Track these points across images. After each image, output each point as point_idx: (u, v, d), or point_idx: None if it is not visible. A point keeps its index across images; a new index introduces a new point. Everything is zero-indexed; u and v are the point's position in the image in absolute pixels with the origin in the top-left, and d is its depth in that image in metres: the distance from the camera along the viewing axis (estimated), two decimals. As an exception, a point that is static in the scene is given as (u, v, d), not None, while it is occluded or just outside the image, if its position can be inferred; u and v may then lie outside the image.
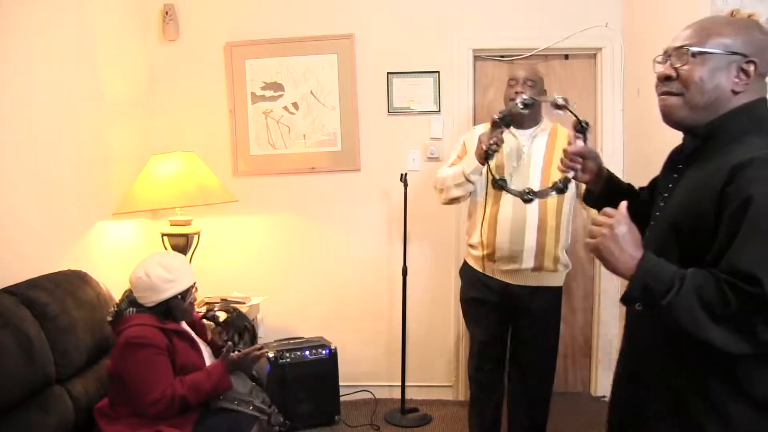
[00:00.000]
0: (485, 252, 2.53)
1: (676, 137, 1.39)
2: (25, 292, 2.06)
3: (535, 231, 2.46)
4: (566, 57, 3.40)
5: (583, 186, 1.78)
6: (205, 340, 2.35)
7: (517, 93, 2.46)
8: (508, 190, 2.13)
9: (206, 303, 3.06)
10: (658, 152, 1.46)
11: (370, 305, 3.46)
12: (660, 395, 1.27)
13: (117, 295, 2.26)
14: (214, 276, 3.34)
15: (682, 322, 1.11)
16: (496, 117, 2.14)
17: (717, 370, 1.17)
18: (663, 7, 2.82)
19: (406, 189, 3.18)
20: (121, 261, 2.96)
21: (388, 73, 3.37)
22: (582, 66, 3.41)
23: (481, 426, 2.74)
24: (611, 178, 1.59)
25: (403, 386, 3.29)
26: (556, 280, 2.57)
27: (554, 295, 2.59)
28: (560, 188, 1.88)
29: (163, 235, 2.99)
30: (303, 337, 3.26)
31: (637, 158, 3.08)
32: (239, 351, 2.25)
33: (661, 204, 1.35)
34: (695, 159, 1.29)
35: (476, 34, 3.33)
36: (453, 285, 3.35)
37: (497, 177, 2.15)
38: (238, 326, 2.37)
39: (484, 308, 2.59)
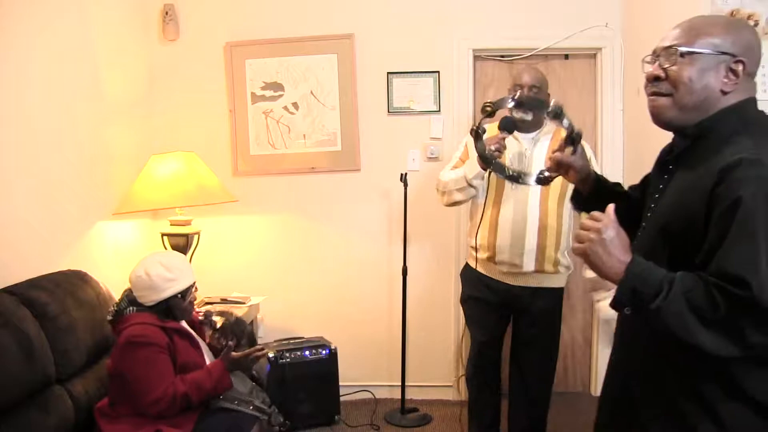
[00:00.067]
0: (486, 254, 2.53)
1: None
2: (25, 292, 2.06)
3: (536, 233, 2.47)
4: (566, 57, 3.40)
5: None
6: (204, 339, 2.35)
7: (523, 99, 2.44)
8: (493, 167, 2.10)
9: (206, 303, 3.06)
10: (657, 152, 1.46)
11: (370, 305, 3.46)
12: (652, 397, 1.26)
13: (117, 295, 2.26)
14: (214, 276, 3.34)
15: (671, 326, 1.11)
16: (475, 126, 2.13)
17: (708, 372, 1.17)
18: (663, 7, 2.82)
19: (406, 189, 3.18)
20: (121, 261, 2.96)
21: (388, 73, 3.37)
22: (582, 66, 3.40)
23: (480, 426, 2.74)
24: (599, 180, 1.59)
25: (403, 386, 3.29)
26: (557, 281, 2.57)
27: (556, 295, 2.59)
28: (542, 181, 1.87)
29: (163, 235, 2.99)
30: (303, 337, 3.26)
31: (637, 158, 3.09)
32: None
33: (652, 205, 1.34)
34: (685, 160, 1.28)
35: (476, 34, 3.33)
36: (453, 285, 3.36)
37: (485, 153, 2.13)
38: (236, 332, 2.36)
39: (485, 308, 2.59)
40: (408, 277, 3.26)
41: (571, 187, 1.71)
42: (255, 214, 3.47)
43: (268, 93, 3.41)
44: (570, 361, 3.51)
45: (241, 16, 3.39)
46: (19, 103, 2.31)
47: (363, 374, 3.46)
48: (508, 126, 2.33)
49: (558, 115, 1.85)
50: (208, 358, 2.26)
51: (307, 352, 3.08)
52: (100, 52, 2.88)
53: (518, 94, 2.20)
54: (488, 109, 2.09)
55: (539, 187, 2.45)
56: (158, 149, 3.06)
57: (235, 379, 2.20)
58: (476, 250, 2.58)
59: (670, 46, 1.25)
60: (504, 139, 2.30)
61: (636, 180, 1.60)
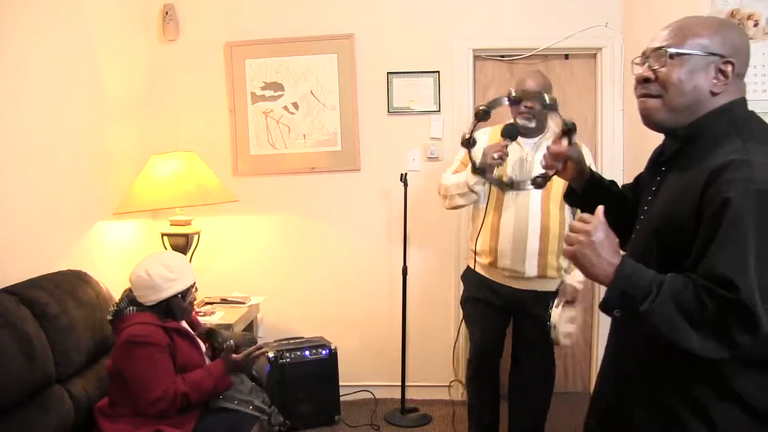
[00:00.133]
0: (488, 259, 2.53)
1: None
2: (25, 292, 2.06)
3: (538, 239, 2.46)
4: (566, 57, 3.40)
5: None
6: (204, 340, 2.35)
7: (526, 107, 2.43)
8: (488, 178, 2.10)
9: (206, 303, 3.06)
10: (658, 152, 1.46)
11: (371, 305, 3.46)
12: (645, 398, 1.26)
13: (117, 295, 2.25)
14: (214, 276, 3.35)
15: (660, 328, 1.11)
16: (468, 136, 2.13)
17: (700, 372, 1.17)
18: (663, 7, 2.82)
19: (406, 189, 3.18)
20: (121, 261, 2.96)
21: (388, 73, 3.37)
22: (582, 66, 3.40)
23: (479, 427, 2.74)
24: (594, 177, 1.58)
25: (403, 386, 3.29)
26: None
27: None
28: (539, 183, 1.88)
29: (163, 234, 2.99)
30: (303, 337, 3.25)
31: (637, 158, 3.09)
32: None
33: (645, 208, 1.34)
34: (677, 161, 1.28)
35: (476, 34, 3.33)
36: (453, 284, 3.36)
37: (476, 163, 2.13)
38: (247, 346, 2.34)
39: (486, 309, 2.59)
40: (408, 277, 3.26)
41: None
42: (255, 214, 3.47)
43: (268, 93, 3.41)
44: (570, 361, 3.51)
45: (241, 16, 3.39)
46: (19, 103, 2.31)
47: (363, 374, 3.46)
48: (511, 133, 2.33)
49: (553, 107, 1.85)
50: (207, 359, 2.26)
51: (307, 352, 3.08)
52: (99, 51, 2.88)
53: (513, 91, 2.19)
54: (482, 112, 2.09)
55: (540, 192, 2.45)
56: (158, 149, 3.06)
57: (235, 378, 2.20)
58: (478, 254, 2.58)
59: (659, 48, 1.25)
60: (506, 146, 2.30)
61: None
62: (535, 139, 2.52)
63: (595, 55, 3.37)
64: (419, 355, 3.42)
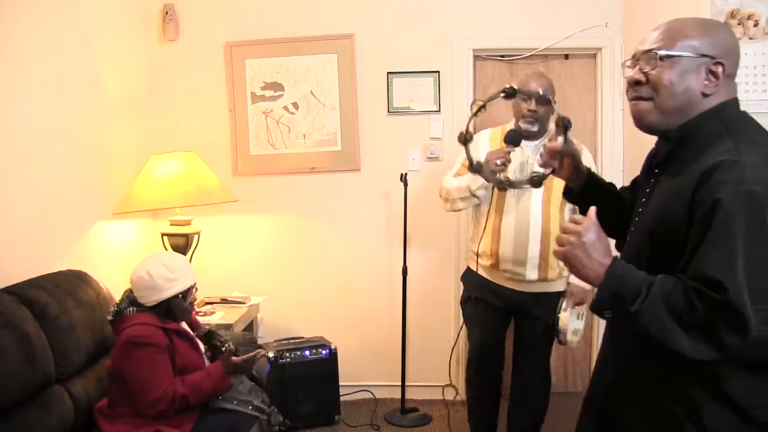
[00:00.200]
0: (489, 262, 2.53)
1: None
2: (25, 292, 2.06)
3: (539, 242, 2.46)
4: (566, 57, 3.40)
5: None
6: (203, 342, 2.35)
7: (530, 111, 2.44)
8: (486, 177, 2.09)
9: (206, 303, 3.06)
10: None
11: (370, 305, 3.46)
12: (638, 399, 1.26)
13: (117, 295, 2.26)
14: (214, 276, 3.35)
15: (650, 329, 1.11)
16: (464, 132, 2.12)
17: (693, 374, 1.17)
18: (663, 6, 2.82)
19: (406, 189, 3.18)
20: (121, 261, 2.96)
21: (388, 72, 3.37)
22: (582, 66, 3.40)
23: (478, 426, 2.74)
24: (591, 176, 1.58)
25: (403, 386, 3.29)
26: (560, 286, 2.57)
27: (559, 297, 2.59)
28: (535, 181, 1.87)
29: (163, 234, 2.99)
30: (303, 337, 3.25)
31: (637, 158, 3.07)
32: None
33: (639, 209, 1.34)
34: (670, 163, 1.28)
35: (476, 34, 3.33)
36: (453, 284, 3.36)
37: (474, 161, 2.12)
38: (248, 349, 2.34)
39: (488, 310, 2.59)
40: (408, 277, 3.26)
41: None
42: (255, 214, 3.47)
43: (268, 93, 3.41)
44: (570, 361, 3.51)
45: (241, 16, 3.39)
46: (19, 103, 2.31)
47: (363, 374, 3.46)
48: (514, 140, 2.32)
49: (548, 102, 1.84)
50: (207, 360, 2.26)
51: (307, 352, 3.08)
52: (99, 51, 2.88)
53: (509, 85, 2.17)
54: (478, 107, 2.08)
55: (541, 195, 2.46)
56: (158, 149, 3.06)
57: (235, 379, 2.20)
58: (479, 256, 2.58)
59: (649, 50, 1.25)
60: (509, 153, 2.30)
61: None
62: (536, 142, 2.52)
63: (595, 55, 3.37)
64: (419, 355, 3.42)
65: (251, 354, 2.22)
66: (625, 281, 1.14)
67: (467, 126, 2.14)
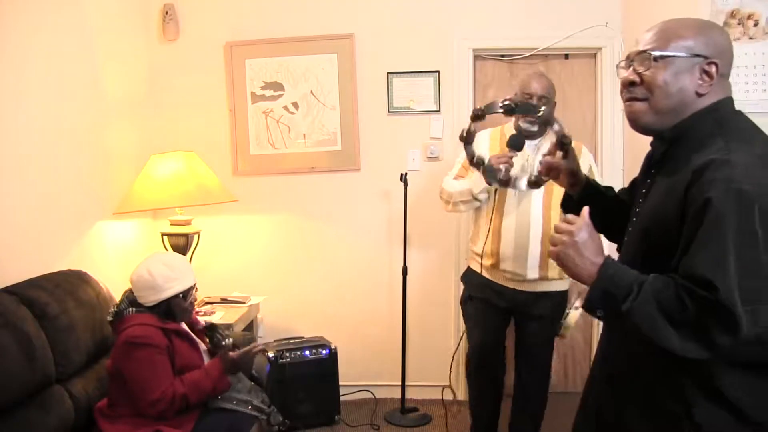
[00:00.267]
0: (490, 262, 2.53)
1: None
2: (25, 292, 2.06)
3: (539, 242, 2.47)
4: (566, 57, 3.40)
5: None
6: (203, 341, 2.35)
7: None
8: (485, 173, 2.10)
9: (206, 303, 3.06)
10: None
11: (370, 305, 3.46)
12: (636, 398, 1.27)
13: (117, 295, 2.26)
14: (214, 276, 3.35)
15: (642, 328, 1.11)
16: (464, 131, 2.13)
17: (691, 373, 1.17)
18: (663, 6, 2.82)
19: (406, 188, 3.18)
20: (121, 261, 2.96)
21: (388, 72, 3.37)
22: (582, 66, 3.40)
23: (478, 424, 2.75)
24: (590, 183, 1.59)
25: (403, 386, 3.29)
26: (561, 285, 2.57)
27: (560, 296, 2.59)
28: (533, 183, 1.88)
29: (163, 234, 2.99)
30: (303, 337, 3.26)
31: (637, 158, 3.07)
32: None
33: (637, 210, 1.35)
34: (665, 163, 1.29)
35: (476, 34, 3.33)
36: (453, 284, 3.36)
37: (475, 157, 2.13)
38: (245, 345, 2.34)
39: (488, 310, 2.59)
40: (408, 277, 3.26)
41: None
42: (255, 214, 3.47)
43: (268, 93, 3.41)
44: (570, 361, 3.51)
45: (241, 16, 3.39)
46: (18, 103, 2.31)
47: (363, 374, 3.46)
48: (517, 144, 2.32)
49: (547, 120, 1.84)
50: (207, 360, 2.26)
51: (307, 352, 3.08)
52: (99, 51, 2.88)
53: (508, 98, 2.19)
54: (479, 114, 2.09)
55: (542, 197, 2.46)
56: (158, 149, 3.06)
57: (234, 379, 2.20)
58: (480, 256, 2.58)
59: (643, 51, 1.25)
60: (512, 157, 2.30)
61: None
62: (536, 141, 2.52)
63: (595, 55, 3.37)
64: (419, 355, 3.42)
65: (246, 348, 2.22)
66: (616, 280, 1.15)
67: (469, 125, 2.15)
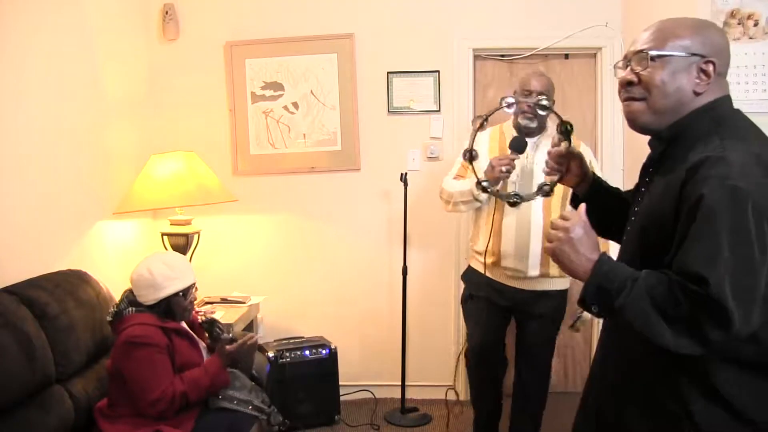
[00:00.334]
0: (491, 259, 2.53)
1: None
2: (25, 292, 2.06)
3: (540, 238, 2.47)
4: (566, 56, 3.40)
5: None
6: (203, 340, 2.35)
7: (530, 106, 2.45)
8: (494, 193, 2.15)
9: (206, 302, 3.06)
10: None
11: (370, 304, 3.46)
12: (636, 398, 1.27)
13: (117, 295, 2.26)
14: (214, 275, 3.35)
15: (635, 323, 1.12)
16: (469, 149, 2.15)
17: (691, 373, 1.17)
18: (662, 6, 2.82)
19: (406, 188, 3.18)
20: (121, 261, 2.96)
21: (388, 72, 3.37)
22: (582, 66, 3.40)
23: (479, 421, 2.75)
24: (597, 181, 1.59)
25: (403, 386, 3.29)
26: (562, 284, 2.58)
27: (560, 297, 2.60)
28: (546, 191, 1.90)
29: (163, 234, 2.99)
30: (303, 337, 3.26)
31: (637, 158, 3.08)
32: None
33: (635, 209, 1.35)
34: (663, 163, 1.29)
35: (476, 34, 3.33)
36: (453, 284, 3.36)
37: (480, 179, 2.17)
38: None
39: (489, 308, 2.59)
40: (408, 277, 3.26)
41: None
42: (255, 214, 3.47)
43: (268, 93, 3.41)
44: (570, 361, 3.51)
45: (241, 15, 3.39)
46: (18, 103, 2.31)
47: (363, 374, 3.46)
48: (519, 147, 2.33)
49: (548, 108, 1.86)
50: (206, 352, 2.26)
51: (307, 352, 3.08)
52: (99, 51, 2.88)
53: (510, 97, 2.21)
54: (482, 122, 2.12)
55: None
56: (158, 149, 3.06)
57: (235, 379, 2.20)
58: (480, 254, 2.58)
59: (640, 51, 1.25)
60: (513, 160, 2.31)
61: (634, 178, 1.59)
62: (535, 139, 2.52)
63: (595, 55, 3.37)
64: (419, 355, 3.42)
65: (242, 340, 2.22)
66: (611, 276, 1.16)
67: (471, 143, 2.17)
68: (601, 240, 1.39)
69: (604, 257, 1.20)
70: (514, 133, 2.50)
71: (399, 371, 3.30)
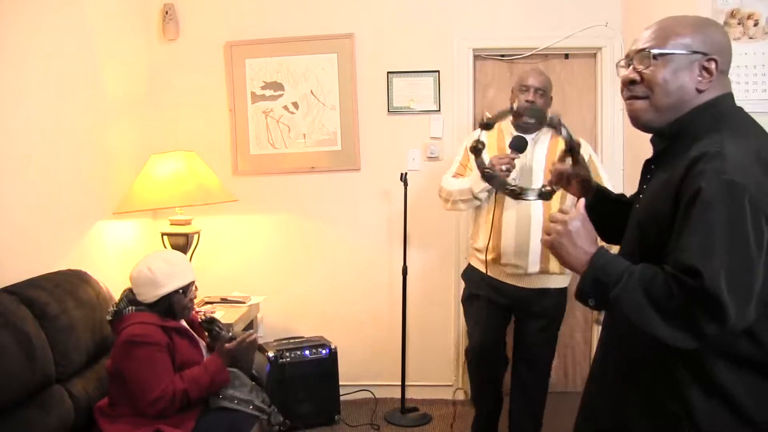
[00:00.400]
0: (491, 256, 2.53)
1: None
2: (25, 292, 2.06)
3: (540, 234, 2.46)
4: (566, 56, 3.40)
5: None
6: (203, 338, 2.35)
7: (527, 102, 2.46)
8: (499, 183, 2.13)
9: (206, 302, 3.06)
10: (657, 152, 1.47)
11: (370, 304, 3.46)
12: (637, 398, 1.27)
13: (117, 295, 2.26)
14: (214, 275, 3.35)
15: (630, 316, 1.12)
16: (474, 143, 2.15)
17: (691, 372, 1.17)
18: (662, 6, 2.82)
19: (406, 188, 3.18)
20: (121, 261, 2.96)
21: (388, 72, 3.37)
22: (582, 66, 3.40)
23: (479, 419, 2.75)
24: (601, 191, 1.60)
25: (403, 386, 3.29)
26: (562, 281, 2.58)
27: (561, 294, 2.60)
28: (545, 196, 1.91)
29: (163, 234, 2.99)
30: (303, 337, 3.26)
31: (637, 158, 3.08)
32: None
33: (636, 206, 1.36)
34: (663, 159, 1.30)
35: (476, 34, 3.33)
36: (453, 284, 3.36)
37: (485, 167, 2.17)
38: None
39: (489, 307, 2.59)
40: (408, 277, 3.26)
41: None
42: (255, 214, 3.47)
43: (268, 92, 3.41)
44: (570, 361, 3.50)
45: (241, 15, 3.39)
46: (18, 103, 2.31)
47: (363, 374, 3.46)
48: (520, 146, 2.34)
49: (557, 125, 1.86)
50: (206, 351, 2.27)
51: (307, 352, 3.08)
52: (99, 51, 2.88)
53: (516, 105, 2.24)
54: (485, 124, 2.13)
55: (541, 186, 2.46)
56: (158, 149, 3.06)
57: (235, 378, 2.20)
58: (480, 252, 2.58)
59: (642, 49, 1.26)
60: (514, 159, 2.32)
61: (634, 178, 1.60)
62: (533, 135, 2.52)
63: (595, 55, 3.37)
64: (419, 355, 3.42)
65: (240, 338, 2.22)
66: (608, 269, 1.16)
67: (479, 138, 2.18)
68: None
69: (601, 250, 1.20)
70: (513, 131, 2.50)
71: (399, 371, 3.30)
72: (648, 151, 1.39)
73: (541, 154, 2.50)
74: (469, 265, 2.72)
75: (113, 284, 2.55)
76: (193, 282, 2.21)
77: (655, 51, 1.23)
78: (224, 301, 3.10)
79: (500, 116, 2.13)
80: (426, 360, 3.44)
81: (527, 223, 2.47)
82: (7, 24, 2.27)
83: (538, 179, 2.47)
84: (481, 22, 3.32)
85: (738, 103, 1.28)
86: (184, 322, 2.25)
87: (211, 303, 3.07)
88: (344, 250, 3.46)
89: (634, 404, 1.27)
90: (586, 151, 2.57)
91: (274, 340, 3.21)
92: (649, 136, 1.36)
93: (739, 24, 2.43)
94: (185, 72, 3.40)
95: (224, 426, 2.09)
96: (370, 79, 3.37)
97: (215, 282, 3.30)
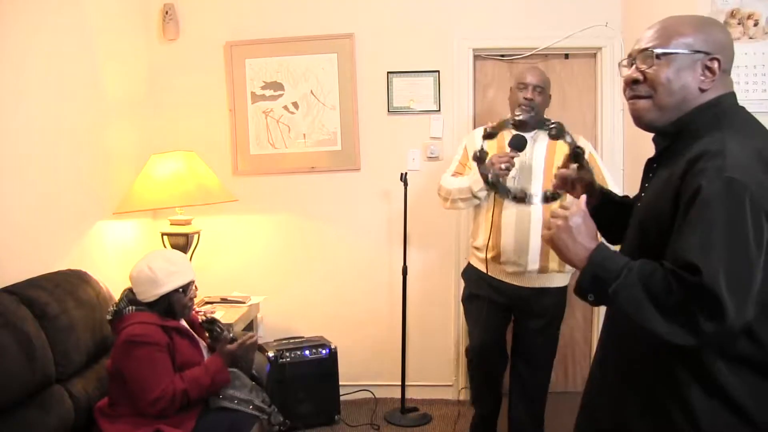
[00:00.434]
0: (491, 254, 2.53)
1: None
2: (25, 292, 2.06)
3: (540, 233, 2.47)
4: (566, 56, 3.40)
5: None
6: (203, 339, 2.35)
7: (526, 99, 2.47)
8: (502, 189, 2.15)
9: (206, 302, 3.06)
10: (657, 152, 1.47)
11: (370, 304, 3.46)
12: (636, 398, 1.27)
13: (117, 295, 2.26)
14: (215, 275, 3.35)
15: (628, 311, 1.12)
16: (477, 151, 2.17)
17: (692, 373, 1.17)
18: (662, 6, 2.82)
19: (406, 188, 3.18)
20: (121, 261, 2.96)
21: (388, 72, 3.37)
22: (582, 65, 3.40)
23: (478, 419, 2.75)
24: (604, 194, 1.60)
25: (403, 386, 3.29)
26: (562, 280, 2.58)
27: (560, 294, 2.60)
28: (547, 199, 1.92)
29: (163, 234, 2.99)
30: (303, 337, 3.26)
31: (637, 158, 3.09)
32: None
33: (638, 204, 1.36)
34: (665, 158, 1.30)
35: (476, 34, 3.33)
36: (453, 284, 3.36)
37: (488, 174, 2.18)
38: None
39: (489, 307, 2.60)
40: (408, 277, 3.26)
41: None
42: (255, 214, 3.47)
43: (268, 92, 3.41)
44: (570, 361, 3.51)
45: (241, 15, 3.39)
46: (18, 103, 2.31)
47: (363, 374, 3.46)
48: (519, 145, 2.34)
49: (560, 133, 1.87)
50: (207, 357, 2.26)
51: (307, 352, 3.08)
52: (99, 51, 2.88)
53: (519, 115, 2.25)
54: (488, 134, 2.15)
55: (541, 188, 2.47)
56: (158, 149, 3.06)
57: (235, 378, 2.20)
58: (480, 250, 2.58)
59: (645, 49, 1.26)
60: (513, 158, 2.32)
61: (634, 178, 1.60)
62: (532, 133, 2.53)
63: (595, 55, 3.37)
64: (419, 355, 3.42)
65: (242, 339, 2.22)
66: (607, 265, 1.16)
67: (482, 146, 2.19)
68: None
69: (601, 246, 1.20)
70: (513, 131, 2.50)
71: (399, 371, 3.30)
72: (648, 151, 1.39)
73: (541, 152, 2.50)
74: (469, 264, 2.73)
75: (113, 284, 2.55)
76: (193, 281, 2.21)
77: (658, 50, 1.24)
78: (224, 301, 3.10)
79: (502, 127, 2.15)
80: (426, 360, 3.44)
81: (527, 222, 2.48)
82: (7, 24, 2.27)
83: (538, 177, 2.47)
84: (481, 22, 3.32)
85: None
86: (184, 323, 2.25)
87: (211, 303, 3.07)
88: (344, 250, 3.46)
89: (634, 404, 1.27)
90: (585, 148, 2.57)
91: (274, 340, 3.21)
92: (650, 135, 1.36)
93: (739, 24, 2.43)
94: (185, 72, 3.40)
95: (224, 426, 2.09)
96: (370, 79, 3.37)
97: (215, 282, 3.30)
